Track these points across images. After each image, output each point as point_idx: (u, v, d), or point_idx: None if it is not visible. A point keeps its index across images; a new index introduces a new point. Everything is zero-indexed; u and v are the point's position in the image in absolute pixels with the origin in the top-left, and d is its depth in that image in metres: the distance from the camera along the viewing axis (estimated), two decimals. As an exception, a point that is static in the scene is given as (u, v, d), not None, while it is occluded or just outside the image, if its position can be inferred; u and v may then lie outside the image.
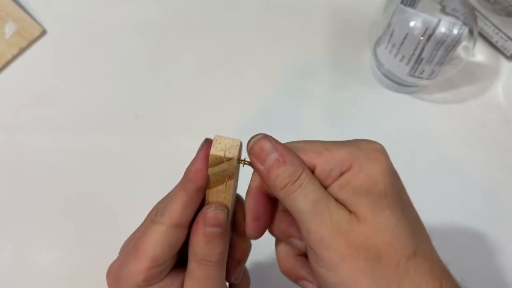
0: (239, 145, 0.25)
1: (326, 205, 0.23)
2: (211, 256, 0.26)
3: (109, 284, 0.28)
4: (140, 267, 0.26)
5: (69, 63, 0.51)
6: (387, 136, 0.49)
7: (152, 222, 0.26)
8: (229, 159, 0.25)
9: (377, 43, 0.47)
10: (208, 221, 0.26)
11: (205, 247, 0.26)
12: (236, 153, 0.25)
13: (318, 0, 0.55)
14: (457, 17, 0.44)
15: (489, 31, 0.51)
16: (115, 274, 0.28)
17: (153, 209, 0.29)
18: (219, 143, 0.25)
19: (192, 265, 0.27)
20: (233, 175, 0.25)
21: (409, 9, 0.42)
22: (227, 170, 0.25)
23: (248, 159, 0.25)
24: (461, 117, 0.50)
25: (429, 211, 0.46)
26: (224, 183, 0.26)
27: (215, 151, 0.25)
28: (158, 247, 0.26)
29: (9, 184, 0.46)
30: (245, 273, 0.32)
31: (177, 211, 0.26)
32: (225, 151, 0.25)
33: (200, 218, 0.26)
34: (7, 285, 0.43)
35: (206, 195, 0.27)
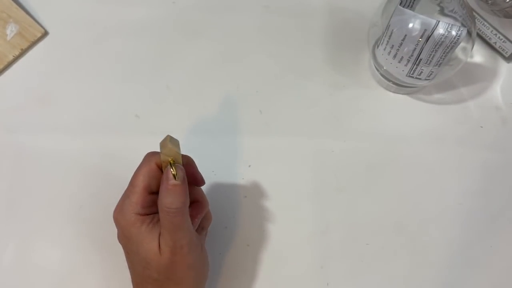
0: (168, 148, 0.34)
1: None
2: (172, 204, 0.33)
3: (115, 218, 0.36)
4: (137, 196, 0.34)
5: (70, 64, 0.52)
6: (386, 136, 0.49)
7: (144, 160, 0.36)
8: (161, 153, 0.34)
9: (376, 44, 0.47)
10: (169, 176, 0.33)
11: (168, 197, 0.33)
12: (165, 151, 0.34)
13: (317, 2, 0.55)
14: (455, 19, 0.44)
15: (487, 32, 0.52)
16: (119, 208, 0.35)
17: None
18: (164, 141, 0.34)
19: (161, 216, 0.34)
20: (163, 165, 0.35)
21: (407, 11, 0.42)
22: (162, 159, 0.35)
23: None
24: (460, 118, 0.50)
25: (427, 210, 0.46)
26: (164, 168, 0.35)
27: (160, 143, 0.35)
28: (146, 178, 0.35)
29: (10, 184, 0.46)
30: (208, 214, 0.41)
31: (158, 156, 0.35)
32: (162, 148, 0.34)
33: (163, 176, 0.34)
34: (8, 285, 0.43)
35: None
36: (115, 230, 0.39)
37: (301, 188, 0.46)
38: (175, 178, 0.33)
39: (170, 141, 0.34)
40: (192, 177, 0.37)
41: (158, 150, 0.35)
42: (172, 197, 0.33)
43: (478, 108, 0.50)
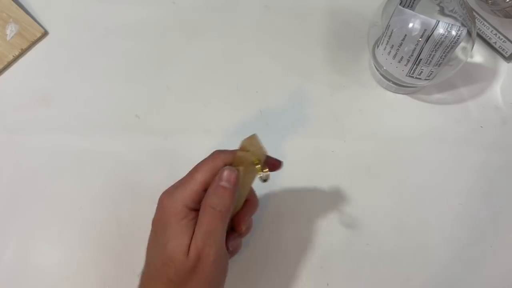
0: (259, 147, 0.33)
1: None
2: (217, 205, 0.33)
3: (161, 199, 0.35)
4: (191, 188, 0.34)
5: (70, 64, 0.52)
6: (386, 136, 0.49)
7: (210, 156, 0.35)
8: (247, 151, 0.33)
9: (376, 44, 0.47)
10: (223, 177, 0.33)
11: (215, 197, 0.33)
12: (253, 149, 0.33)
13: (317, 2, 0.55)
14: (455, 19, 0.44)
15: (487, 32, 0.52)
16: (169, 193, 0.34)
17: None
18: (252, 139, 0.34)
19: (201, 213, 0.33)
20: (243, 164, 0.34)
21: (407, 11, 0.42)
22: (243, 157, 0.34)
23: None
24: (460, 118, 0.50)
25: (427, 210, 0.46)
26: (241, 167, 0.34)
27: (245, 141, 0.34)
28: (208, 174, 0.34)
29: (10, 184, 0.46)
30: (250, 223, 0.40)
31: (226, 155, 0.35)
32: (250, 146, 0.33)
33: (217, 174, 0.34)
34: (8, 285, 0.43)
35: None
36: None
37: (301, 188, 0.46)
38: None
39: (258, 141, 0.33)
40: (271, 164, 0.36)
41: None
42: (219, 199, 0.33)
43: (478, 108, 0.50)
